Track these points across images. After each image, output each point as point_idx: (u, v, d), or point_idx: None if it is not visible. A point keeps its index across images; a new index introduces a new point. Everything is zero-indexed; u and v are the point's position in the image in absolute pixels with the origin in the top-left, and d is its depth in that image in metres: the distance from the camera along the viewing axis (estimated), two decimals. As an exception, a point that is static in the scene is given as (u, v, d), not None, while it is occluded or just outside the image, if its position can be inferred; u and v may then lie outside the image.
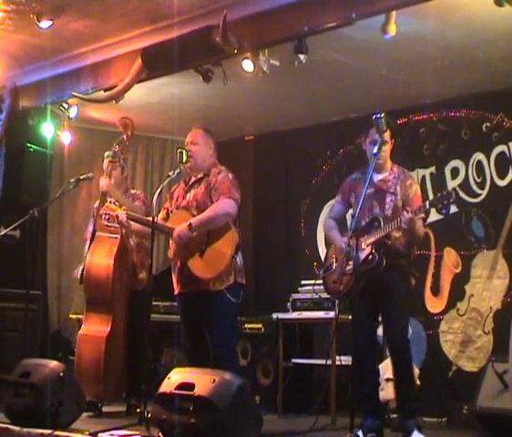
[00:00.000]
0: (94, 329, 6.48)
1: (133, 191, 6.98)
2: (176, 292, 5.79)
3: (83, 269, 6.57)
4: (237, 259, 5.67)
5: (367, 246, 5.49)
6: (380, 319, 5.75)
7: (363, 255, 5.49)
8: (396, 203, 5.56)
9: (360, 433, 5.37)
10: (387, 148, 5.62)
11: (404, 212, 5.36)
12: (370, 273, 5.46)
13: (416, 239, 5.63)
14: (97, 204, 6.74)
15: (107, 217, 6.13)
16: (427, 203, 5.34)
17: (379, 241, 5.46)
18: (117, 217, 6.03)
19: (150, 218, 5.64)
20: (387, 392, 6.43)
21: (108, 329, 6.43)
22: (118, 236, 6.53)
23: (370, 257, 5.46)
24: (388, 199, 5.58)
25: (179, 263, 5.70)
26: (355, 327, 5.57)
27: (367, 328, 5.64)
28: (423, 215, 5.52)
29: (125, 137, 6.72)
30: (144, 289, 6.54)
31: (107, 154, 6.77)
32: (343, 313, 6.32)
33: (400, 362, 5.62)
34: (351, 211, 5.83)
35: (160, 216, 5.90)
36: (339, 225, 5.89)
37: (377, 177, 5.67)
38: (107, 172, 6.70)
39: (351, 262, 5.51)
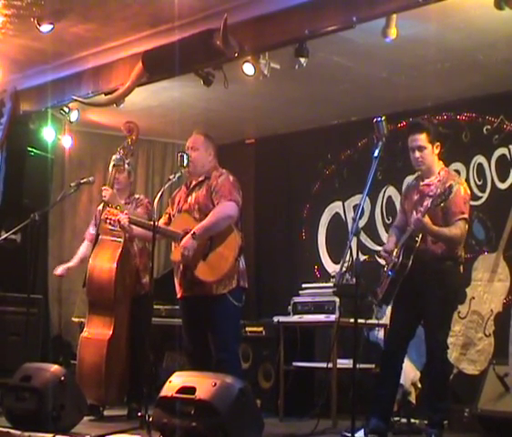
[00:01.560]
0: (96, 332, 6.48)
1: (137, 196, 6.97)
2: (178, 296, 5.78)
3: (85, 273, 6.59)
4: (240, 262, 5.67)
5: (397, 251, 5.51)
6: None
7: (394, 260, 5.52)
8: (423, 212, 5.38)
9: (361, 433, 5.36)
10: (426, 154, 5.58)
11: (414, 212, 5.35)
12: (401, 278, 5.45)
13: (446, 242, 5.46)
14: (100, 207, 6.74)
15: (109, 221, 6.13)
16: (429, 203, 5.31)
17: (405, 245, 5.45)
18: (118, 221, 6.03)
19: (152, 223, 5.64)
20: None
21: (110, 332, 6.43)
22: (122, 240, 6.53)
23: (396, 260, 5.48)
24: (425, 203, 5.46)
25: (181, 267, 5.69)
26: (390, 331, 5.65)
27: (400, 334, 5.65)
28: (464, 215, 5.46)
29: (129, 141, 6.71)
30: (147, 293, 6.54)
31: (114, 157, 6.75)
32: (344, 316, 6.33)
33: (431, 370, 5.59)
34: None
35: (162, 220, 5.90)
36: (399, 233, 5.78)
37: (423, 182, 5.66)
38: (111, 175, 6.69)
39: (388, 267, 5.56)
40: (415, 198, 5.66)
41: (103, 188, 6.60)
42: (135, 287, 6.66)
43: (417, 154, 5.58)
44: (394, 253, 5.55)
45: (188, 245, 5.52)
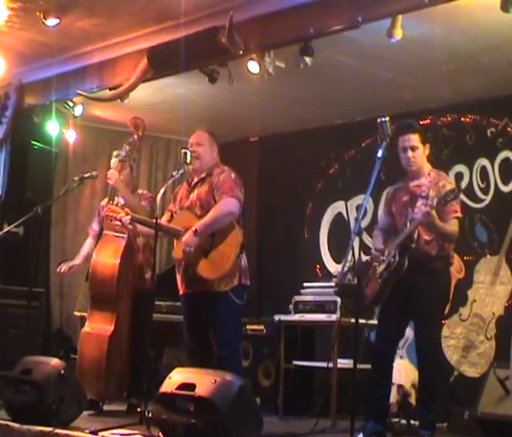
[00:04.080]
0: (97, 327, 6.47)
1: (140, 191, 6.95)
2: (180, 293, 5.78)
3: (88, 267, 6.59)
4: (241, 259, 5.66)
5: (390, 251, 5.49)
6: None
7: (387, 260, 5.49)
8: (432, 205, 5.33)
9: (360, 436, 5.36)
10: (418, 154, 5.58)
11: (419, 205, 5.33)
12: (395, 277, 5.44)
13: (447, 238, 5.48)
14: (104, 202, 6.73)
15: (110, 219, 6.11)
16: (434, 201, 5.28)
17: (401, 244, 5.43)
18: (120, 220, 6.01)
19: (154, 220, 5.63)
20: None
21: (112, 327, 6.42)
22: (125, 235, 6.51)
23: (391, 260, 5.46)
24: (419, 203, 5.49)
25: (183, 264, 5.69)
26: (379, 331, 5.62)
27: (391, 334, 5.65)
28: (458, 214, 5.46)
29: (135, 137, 6.69)
30: (149, 288, 6.53)
31: (116, 153, 6.73)
32: (344, 316, 6.33)
33: (424, 370, 5.56)
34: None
35: (165, 218, 5.89)
36: (385, 235, 5.77)
37: (412, 183, 5.65)
38: (116, 171, 6.69)
39: (379, 267, 5.54)
40: (405, 199, 5.64)
41: (109, 171, 6.57)
42: (137, 282, 6.65)
43: (410, 154, 5.57)
44: (386, 253, 5.54)
45: (189, 241, 5.52)
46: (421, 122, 7.67)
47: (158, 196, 5.63)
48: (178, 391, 4.56)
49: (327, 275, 8.24)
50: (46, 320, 8.56)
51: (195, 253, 5.55)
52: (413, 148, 5.57)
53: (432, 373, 5.49)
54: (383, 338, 5.65)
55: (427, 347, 5.49)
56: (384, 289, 5.51)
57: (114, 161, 6.75)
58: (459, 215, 5.50)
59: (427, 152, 5.66)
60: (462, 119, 7.50)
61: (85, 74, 7.39)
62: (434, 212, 5.27)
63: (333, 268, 8.30)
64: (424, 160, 5.66)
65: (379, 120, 5.31)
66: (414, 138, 5.57)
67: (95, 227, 6.91)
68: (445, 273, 5.62)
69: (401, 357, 7.15)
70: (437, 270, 5.50)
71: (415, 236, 5.41)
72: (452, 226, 5.47)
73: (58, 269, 7.04)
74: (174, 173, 5.86)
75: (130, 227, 6.04)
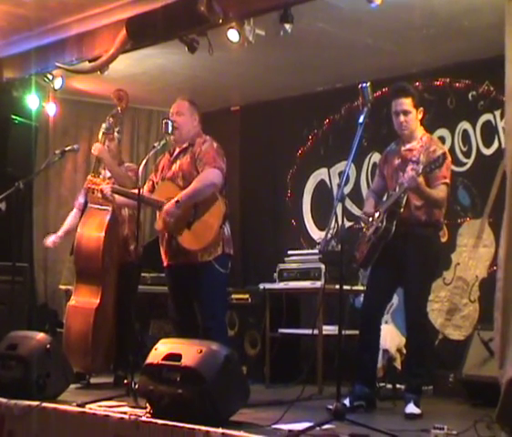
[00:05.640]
0: (83, 300, 6.49)
1: (126, 164, 6.96)
2: (164, 264, 5.79)
3: (73, 241, 6.58)
4: (224, 229, 5.67)
5: (379, 215, 5.50)
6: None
7: (375, 224, 5.52)
8: (418, 171, 5.34)
9: (346, 401, 5.37)
10: (410, 118, 5.55)
11: (409, 170, 5.33)
12: (383, 242, 5.45)
13: (434, 204, 5.46)
14: (90, 176, 6.70)
15: (92, 190, 6.09)
16: (420, 167, 5.28)
17: (388, 210, 5.44)
18: (101, 191, 5.99)
19: (136, 191, 5.61)
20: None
21: (98, 300, 6.44)
22: (110, 208, 6.51)
23: (379, 225, 5.47)
24: (409, 168, 5.46)
25: (166, 235, 5.69)
26: (367, 294, 5.68)
27: (379, 298, 5.67)
28: (447, 180, 5.45)
29: (119, 109, 6.68)
30: (134, 260, 6.54)
31: (103, 125, 6.71)
32: (329, 283, 6.34)
33: (412, 336, 5.60)
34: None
35: (146, 188, 5.87)
36: (377, 197, 5.82)
37: (404, 147, 5.63)
38: (102, 144, 6.66)
39: (368, 231, 5.57)
40: (397, 162, 5.65)
41: (95, 143, 6.58)
42: (122, 255, 6.65)
43: (402, 118, 5.56)
44: (376, 216, 5.55)
45: (170, 211, 5.52)
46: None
47: (140, 167, 5.61)
48: (164, 362, 4.57)
49: (311, 242, 8.26)
50: (31, 294, 8.54)
51: (178, 225, 5.55)
52: (405, 113, 5.55)
53: (420, 339, 5.52)
54: (372, 301, 5.67)
55: (416, 313, 5.51)
56: (373, 252, 5.54)
57: (101, 134, 6.74)
58: (447, 181, 5.48)
59: (420, 116, 5.63)
60: (443, 83, 7.49)
61: (64, 46, 7.32)
62: (420, 178, 5.28)
63: (317, 235, 8.31)
64: (417, 124, 5.64)
65: (360, 86, 5.28)
66: (407, 103, 5.54)
67: (81, 199, 6.91)
68: (435, 240, 5.62)
69: (386, 322, 7.18)
70: (427, 237, 5.50)
71: (404, 201, 5.43)
72: (440, 192, 5.45)
73: (45, 243, 7.06)
74: (155, 144, 5.85)
75: (111, 198, 6.01)
